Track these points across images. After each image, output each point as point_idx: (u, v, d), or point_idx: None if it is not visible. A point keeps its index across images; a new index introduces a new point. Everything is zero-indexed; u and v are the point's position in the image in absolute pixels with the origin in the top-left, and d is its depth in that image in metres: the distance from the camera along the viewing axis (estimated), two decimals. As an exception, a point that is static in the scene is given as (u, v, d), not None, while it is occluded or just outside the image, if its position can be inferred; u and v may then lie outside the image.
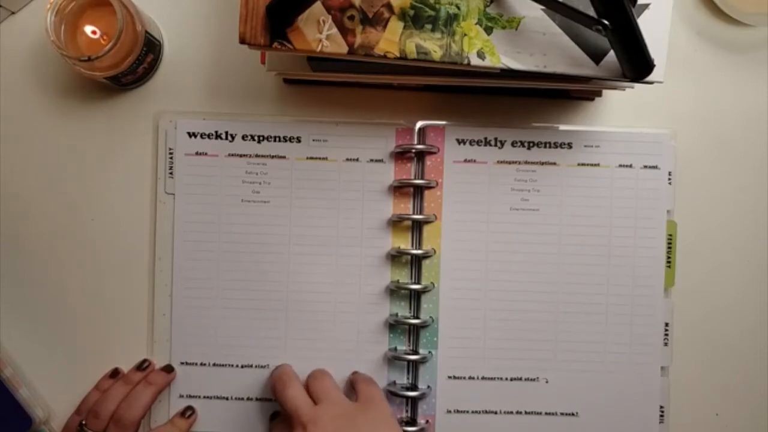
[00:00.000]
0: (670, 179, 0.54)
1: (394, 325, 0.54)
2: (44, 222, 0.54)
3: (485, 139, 0.54)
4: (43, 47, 0.54)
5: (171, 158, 0.54)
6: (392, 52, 0.43)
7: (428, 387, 0.53)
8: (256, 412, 0.54)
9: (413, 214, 0.54)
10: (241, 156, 0.54)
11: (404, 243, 0.54)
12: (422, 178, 0.54)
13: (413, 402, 0.54)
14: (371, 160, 0.54)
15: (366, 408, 0.48)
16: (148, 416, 0.53)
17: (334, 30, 0.43)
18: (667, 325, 0.54)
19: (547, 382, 0.54)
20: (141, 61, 0.51)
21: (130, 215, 0.54)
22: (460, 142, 0.54)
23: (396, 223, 0.54)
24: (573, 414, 0.54)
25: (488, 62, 0.44)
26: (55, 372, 0.54)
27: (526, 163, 0.54)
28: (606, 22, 0.40)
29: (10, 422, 0.52)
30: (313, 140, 0.54)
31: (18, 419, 0.51)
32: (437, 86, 0.54)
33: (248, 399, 0.54)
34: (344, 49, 0.43)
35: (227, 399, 0.54)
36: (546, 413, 0.54)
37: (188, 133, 0.54)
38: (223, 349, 0.54)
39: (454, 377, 0.54)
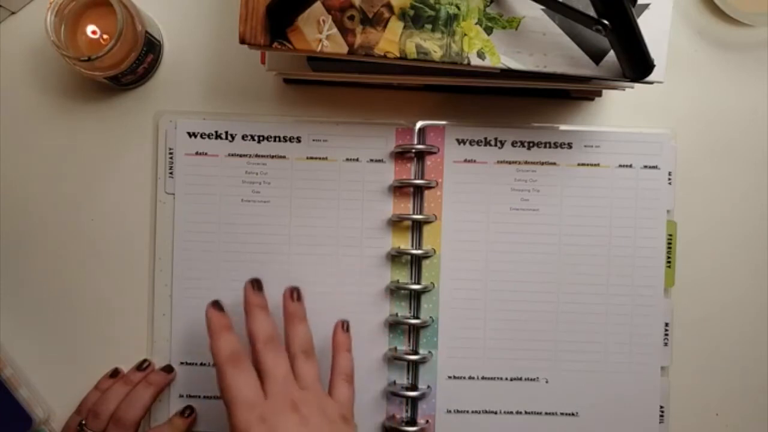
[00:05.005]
0: (670, 179, 0.54)
1: (394, 325, 0.54)
2: (44, 222, 0.54)
3: (485, 139, 0.54)
4: (43, 47, 0.54)
5: (171, 158, 0.54)
6: (392, 52, 0.43)
7: (428, 387, 0.53)
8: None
9: (413, 214, 0.54)
10: (241, 156, 0.54)
11: (404, 243, 0.54)
12: (422, 178, 0.54)
13: (413, 402, 0.54)
14: (371, 160, 0.54)
15: None
16: (148, 416, 0.53)
17: (334, 30, 0.43)
18: (667, 325, 0.54)
19: (547, 382, 0.54)
20: (141, 61, 0.51)
21: (130, 215, 0.54)
22: (460, 142, 0.54)
23: (396, 223, 0.54)
24: (573, 414, 0.54)
25: (488, 62, 0.44)
26: (55, 372, 0.54)
27: (526, 163, 0.54)
28: (606, 22, 0.40)
29: (10, 422, 0.51)
30: (313, 140, 0.54)
31: (18, 419, 0.51)
32: (437, 86, 0.54)
33: (248, 399, 0.54)
34: (344, 49, 0.43)
35: (227, 399, 0.54)
36: (546, 413, 0.54)
37: (188, 133, 0.54)
38: (223, 349, 0.54)
39: (454, 377, 0.54)
